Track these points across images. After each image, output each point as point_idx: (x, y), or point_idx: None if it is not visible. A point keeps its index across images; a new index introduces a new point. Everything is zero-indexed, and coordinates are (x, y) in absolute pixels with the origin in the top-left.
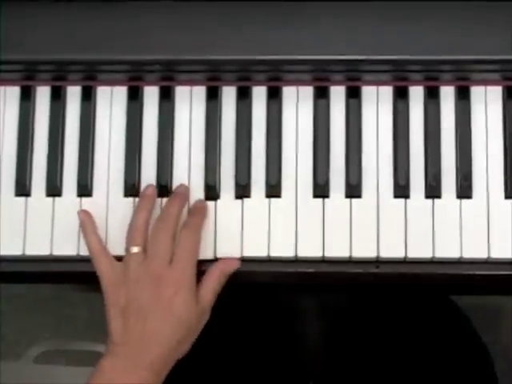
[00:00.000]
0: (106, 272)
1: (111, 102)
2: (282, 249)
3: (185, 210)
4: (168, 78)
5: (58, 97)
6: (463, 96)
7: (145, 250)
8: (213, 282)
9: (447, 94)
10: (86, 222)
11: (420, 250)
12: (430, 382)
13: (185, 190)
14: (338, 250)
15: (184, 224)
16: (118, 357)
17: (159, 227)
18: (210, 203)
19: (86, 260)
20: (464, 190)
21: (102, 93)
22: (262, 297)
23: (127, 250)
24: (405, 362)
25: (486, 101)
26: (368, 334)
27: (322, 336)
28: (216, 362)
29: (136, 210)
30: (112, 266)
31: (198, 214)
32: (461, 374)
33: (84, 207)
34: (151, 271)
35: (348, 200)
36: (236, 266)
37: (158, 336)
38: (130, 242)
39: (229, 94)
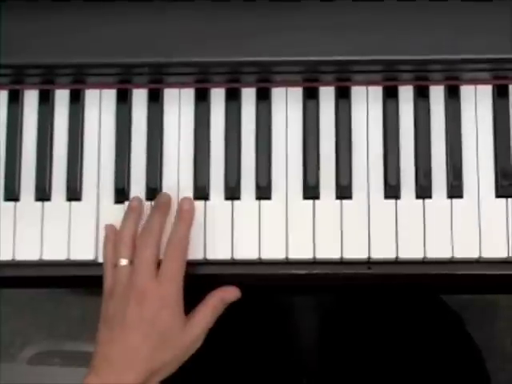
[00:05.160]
0: (106, 284)
1: (100, 105)
2: (273, 251)
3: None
4: (157, 81)
5: (46, 100)
6: (453, 95)
7: (132, 262)
8: (209, 310)
9: (437, 93)
10: (108, 236)
11: (411, 250)
12: (422, 381)
13: (167, 199)
14: (329, 251)
15: (170, 235)
16: (101, 375)
17: (143, 240)
18: (200, 204)
19: (76, 264)
20: (455, 190)
21: (91, 96)
22: (255, 298)
23: (116, 263)
24: (397, 361)
25: (476, 100)
26: (361, 333)
27: (315, 336)
28: (210, 362)
29: (122, 223)
30: (112, 279)
31: (184, 220)
32: (453, 373)
33: (73, 211)
34: (135, 287)
35: (338, 201)
36: (236, 295)
37: (139, 354)
38: (117, 255)
39: (218, 96)
